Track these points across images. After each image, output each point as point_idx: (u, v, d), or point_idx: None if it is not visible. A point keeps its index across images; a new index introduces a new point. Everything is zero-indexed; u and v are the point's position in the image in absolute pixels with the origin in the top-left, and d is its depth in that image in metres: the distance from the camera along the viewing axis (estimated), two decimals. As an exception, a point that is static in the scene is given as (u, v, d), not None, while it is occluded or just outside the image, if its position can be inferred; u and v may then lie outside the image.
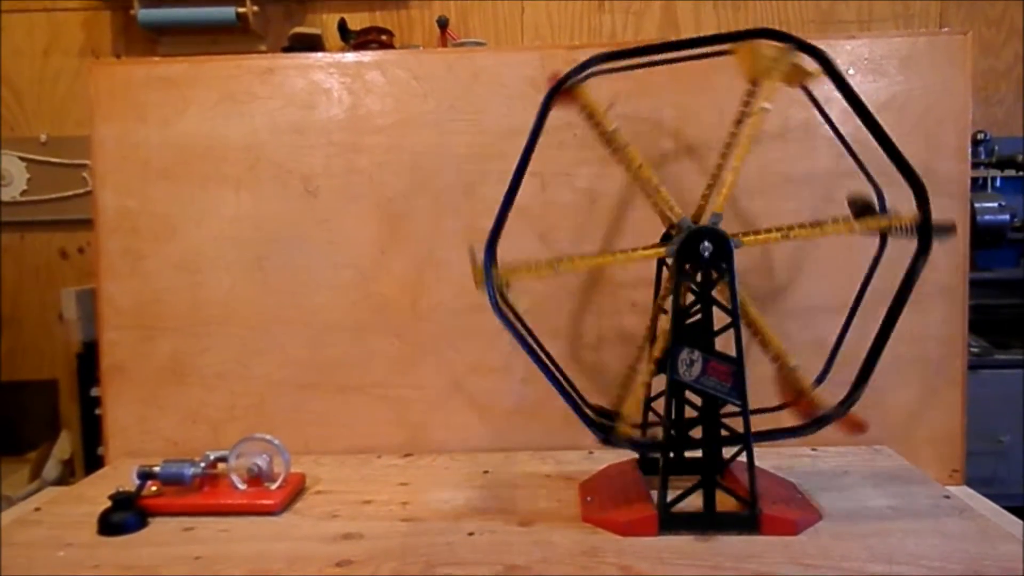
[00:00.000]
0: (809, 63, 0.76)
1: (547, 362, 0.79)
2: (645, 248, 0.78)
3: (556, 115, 0.77)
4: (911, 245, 0.74)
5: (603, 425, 0.80)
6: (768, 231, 0.76)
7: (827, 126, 0.83)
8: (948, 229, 0.73)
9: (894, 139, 0.73)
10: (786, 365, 0.80)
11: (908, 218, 0.74)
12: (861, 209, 0.77)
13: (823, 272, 1.00)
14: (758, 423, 0.79)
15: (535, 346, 0.79)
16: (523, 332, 0.78)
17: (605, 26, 2.22)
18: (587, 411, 0.80)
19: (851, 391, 0.77)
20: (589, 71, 0.76)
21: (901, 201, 0.75)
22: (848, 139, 0.82)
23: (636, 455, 0.89)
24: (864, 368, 0.77)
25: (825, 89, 0.77)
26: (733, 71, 0.83)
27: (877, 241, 0.82)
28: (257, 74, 1.04)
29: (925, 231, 0.73)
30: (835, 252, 1.00)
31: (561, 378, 0.80)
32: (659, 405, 0.84)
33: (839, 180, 0.98)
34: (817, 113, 0.83)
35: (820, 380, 0.83)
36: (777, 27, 0.75)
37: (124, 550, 0.74)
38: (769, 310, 1.01)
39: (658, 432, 0.83)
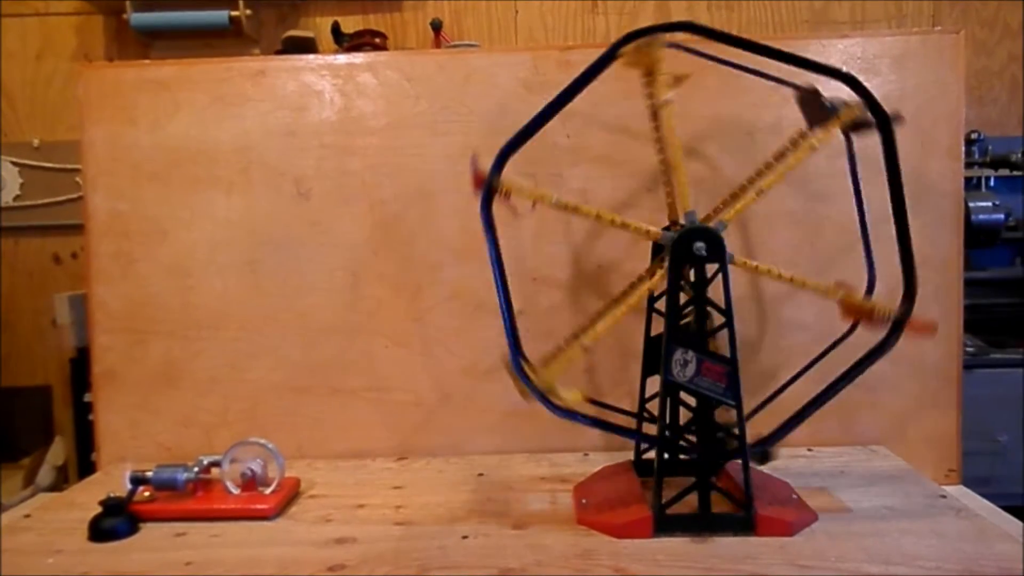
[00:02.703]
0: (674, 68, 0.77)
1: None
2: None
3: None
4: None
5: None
6: (742, 189, 0.77)
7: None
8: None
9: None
10: (836, 293, 0.78)
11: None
12: (810, 100, 0.78)
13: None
14: (836, 359, 0.80)
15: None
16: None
17: (599, 27, 2.21)
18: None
19: (906, 287, 0.76)
20: (504, 161, 0.75)
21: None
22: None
23: (631, 458, 0.89)
24: (905, 261, 0.76)
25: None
26: (726, 73, 0.83)
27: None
28: (248, 76, 1.03)
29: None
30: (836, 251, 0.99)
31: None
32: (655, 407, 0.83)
33: (835, 180, 0.98)
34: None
35: (871, 288, 0.83)
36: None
37: (114, 556, 0.73)
38: (767, 302, 1.01)
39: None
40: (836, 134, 0.77)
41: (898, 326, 0.75)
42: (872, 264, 0.84)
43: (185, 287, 1.04)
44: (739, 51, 0.77)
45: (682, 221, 0.75)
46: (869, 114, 0.75)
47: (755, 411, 0.83)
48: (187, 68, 1.04)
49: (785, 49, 0.75)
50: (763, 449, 0.78)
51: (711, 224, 0.74)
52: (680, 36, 0.77)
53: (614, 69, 0.78)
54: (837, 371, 0.80)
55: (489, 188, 0.74)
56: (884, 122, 0.74)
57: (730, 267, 0.73)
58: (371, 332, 1.03)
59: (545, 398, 0.75)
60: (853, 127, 0.77)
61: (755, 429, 0.79)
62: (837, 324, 0.82)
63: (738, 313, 0.74)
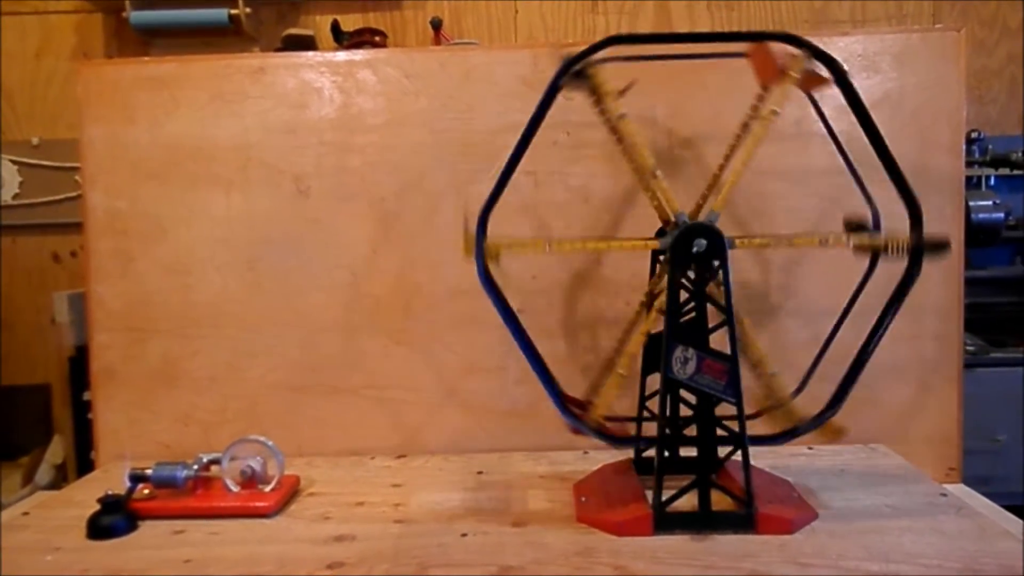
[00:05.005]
0: (822, 69, 0.75)
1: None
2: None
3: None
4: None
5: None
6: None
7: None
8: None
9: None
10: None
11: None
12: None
13: (825, 272, 1.00)
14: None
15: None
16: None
17: (599, 27, 2.21)
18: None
19: (910, 212, 0.74)
20: (486, 221, 0.74)
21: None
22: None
23: (631, 456, 0.88)
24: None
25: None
26: (727, 69, 0.83)
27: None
28: (248, 74, 1.03)
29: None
30: (837, 255, 0.99)
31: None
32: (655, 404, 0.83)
33: (832, 178, 0.98)
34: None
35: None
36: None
37: (113, 553, 0.73)
38: (767, 307, 1.00)
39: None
40: (790, 92, 0.75)
41: (917, 252, 0.74)
42: (870, 198, 0.82)
43: (184, 285, 1.04)
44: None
45: (673, 219, 0.75)
46: (817, 63, 0.73)
47: (806, 378, 0.84)
48: (186, 65, 1.04)
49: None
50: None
51: (703, 217, 0.74)
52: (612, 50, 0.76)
53: (612, 67, 0.77)
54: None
55: (482, 256, 0.74)
56: (834, 66, 0.73)
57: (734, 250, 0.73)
58: (371, 330, 1.03)
59: (602, 435, 0.77)
60: (808, 81, 0.75)
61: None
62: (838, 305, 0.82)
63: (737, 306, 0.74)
